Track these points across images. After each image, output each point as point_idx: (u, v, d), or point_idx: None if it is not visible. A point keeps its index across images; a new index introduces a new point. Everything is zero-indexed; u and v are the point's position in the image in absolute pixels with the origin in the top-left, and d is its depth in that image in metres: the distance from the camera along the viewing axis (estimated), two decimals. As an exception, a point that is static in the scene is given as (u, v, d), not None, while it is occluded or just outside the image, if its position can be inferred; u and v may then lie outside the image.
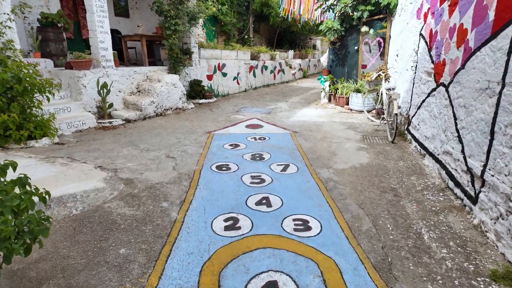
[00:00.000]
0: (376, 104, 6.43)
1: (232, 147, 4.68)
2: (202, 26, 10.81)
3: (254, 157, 4.23)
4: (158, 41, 8.09)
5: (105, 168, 3.69)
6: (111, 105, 6.22)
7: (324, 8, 8.39)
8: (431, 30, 4.21)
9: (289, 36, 17.69)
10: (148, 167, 3.80)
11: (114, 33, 8.41)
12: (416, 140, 4.56)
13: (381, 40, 7.20)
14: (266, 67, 12.59)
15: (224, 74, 10.00)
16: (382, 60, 7.31)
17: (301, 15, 11.52)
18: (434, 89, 3.93)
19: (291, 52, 15.99)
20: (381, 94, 6.06)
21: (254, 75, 11.83)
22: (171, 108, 7.19)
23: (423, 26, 4.61)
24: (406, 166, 3.93)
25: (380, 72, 5.90)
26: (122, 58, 8.06)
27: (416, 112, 4.66)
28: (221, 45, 11.06)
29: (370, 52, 7.54)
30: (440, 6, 3.91)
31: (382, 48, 7.21)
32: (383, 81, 5.91)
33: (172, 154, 4.27)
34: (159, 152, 4.37)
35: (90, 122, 5.72)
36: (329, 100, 8.68)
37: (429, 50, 4.22)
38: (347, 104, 7.90)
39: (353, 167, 3.88)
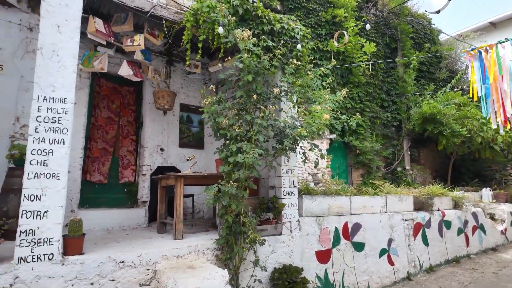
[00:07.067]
0: None
1: None
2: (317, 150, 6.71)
3: None
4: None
5: None
6: None
7: None
8: None
9: (470, 165, 11.21)
10: None
11: (166, 170, 5.27)
12: None
13: None
14: (448, 224, 6.49)
15: (359, 246, 4.79)
16: None
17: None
18: None
19: (485, 191, 9.22)
20: None
21: (425, 242, 5.91)
22: None
23: None
24: None
25: None
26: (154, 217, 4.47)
27: None
28: (352, 188, 6.29)
29: None
30: None
31: None
32: None
33: None
34: None
35: None
36: None
37: None
38: None
39: None
